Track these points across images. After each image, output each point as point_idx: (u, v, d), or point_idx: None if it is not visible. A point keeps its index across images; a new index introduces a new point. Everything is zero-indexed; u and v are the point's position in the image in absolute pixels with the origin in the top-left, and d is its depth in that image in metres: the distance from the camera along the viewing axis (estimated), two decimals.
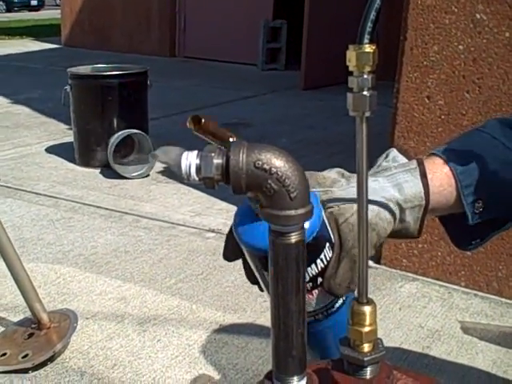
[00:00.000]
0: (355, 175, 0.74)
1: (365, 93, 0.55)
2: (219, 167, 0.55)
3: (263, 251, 0.62)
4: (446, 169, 0.75)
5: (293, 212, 0.54)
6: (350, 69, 0.55)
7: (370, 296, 0.63)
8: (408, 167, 0.74)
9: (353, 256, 0.69)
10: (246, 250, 0.67)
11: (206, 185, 0.57)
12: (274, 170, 0.54)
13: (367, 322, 0.62)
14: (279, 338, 0.58)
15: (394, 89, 2.52)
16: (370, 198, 0.69)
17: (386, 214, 0.71)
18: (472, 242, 0.82)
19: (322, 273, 0.68)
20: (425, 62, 2.39)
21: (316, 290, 0.69)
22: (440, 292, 2.63)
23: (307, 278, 0.67)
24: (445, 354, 2.18)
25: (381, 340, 0.64)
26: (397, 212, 0.72)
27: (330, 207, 0.71)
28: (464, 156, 0.76)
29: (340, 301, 0.72)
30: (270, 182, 0.54)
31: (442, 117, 2.42)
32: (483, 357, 2.16)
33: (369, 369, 0.63)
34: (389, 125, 2.57)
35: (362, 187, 0.60)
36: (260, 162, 0.55)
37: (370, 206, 0.69)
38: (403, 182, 0.73)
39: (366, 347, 0.62)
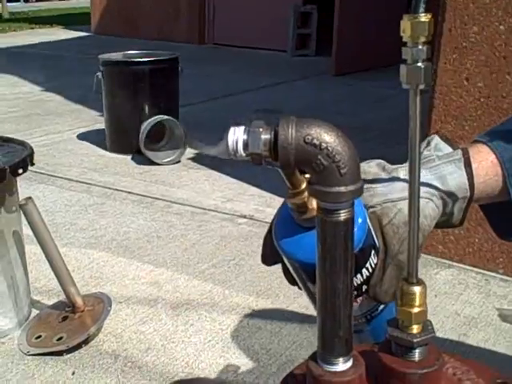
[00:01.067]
0: (397, 168, 0.72)
1: (419, 64, 0.53)
2: (267, 143, 0.54)
3: (309, 265, 0.60)
4: (492, 157, 0.72)
5: (343, 188, 0.52)
6: (404, 39, 0.52)
7: None
8: (452, 158, 0.71)
9: (399, 262, 0.66)
10: (288, 261, 0.64)
11: (254, 161, 0.55)
12: (324, 145, 0.53)
13: (417, 302, 0.60)
14: (326, 317, 0.57)
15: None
16: None
17: (430, 211, 0.68)
18: None
19: (367, 280, 0.66)
20: (464, 43, 2.34)
21: (360, 297, 0.67)
22: (477, 279, 2.59)
23: None
24: (482, 341, 2.15)
25: (430, 322, 0.63)
26: (440, 207, 0.69)
27: (372, 206, 0.67)
28: (511, 142, 0.73)
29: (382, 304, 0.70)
30: (319, 157, 0.53)
31: (482, 99, 2.37)
32: None
33: (417, 351, 0.61)
34: (425, 109, 2.52)
35: (414, 167, 0.58)
36: (310, 137, 0.53)
37: None
38: (447, 174, 0.70)
39: (416, 328, 0.61)
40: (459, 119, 2.43)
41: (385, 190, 0.68)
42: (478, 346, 2.12)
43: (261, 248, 0.69)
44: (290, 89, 7.06)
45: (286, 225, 0.63)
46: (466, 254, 2.65)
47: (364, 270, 0.65)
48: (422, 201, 0.67)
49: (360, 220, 0.62)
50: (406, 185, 0.68)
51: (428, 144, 0.73)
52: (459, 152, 0.72)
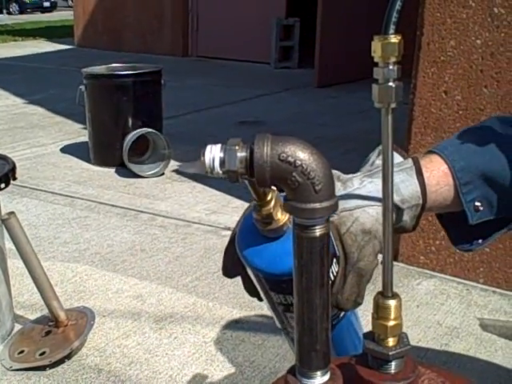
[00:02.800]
0: (352, 177, 0.73)
1: (390, 84, 0.54)
2: (243, 160, 0.55)
3: (273, 275, 0.61)
4: (444, 166, 0.73)
5: (318, 205, 0.53)
6: (376, 60, 0.54)
7: None
8: (403, 166, 0.72)
9: (359, 270, 0.66)
10: (252, 271, 0.65)
11: (230, 178, 0.56)
12: (298, 162, 0.54)
13: (392, 315, 0.61)
14: (303, 332, 0.58)
15: (410, 85, 2.50)
16: (368, 202, 0.68)
17: None
18: (473, 242, 0.79)
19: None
20: (442, 57, 2.37)
21: None
22: (458, 289, 2.61)
23: None
24: (463, 351, 2.16)
25: (405, 334, 0.64)
26: (394, 213, 0.70)
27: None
28: (463, 152, 0.74)
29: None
30: (294, 174, 0.54)
31: (460, 112, 2.40)
32: (503, 354, 2.14)
33: (393, 363, 0.62)
34: (405, 121, 2.55)
35: (387, 181, 0.59)
36: (285, 155, 0.54)
37: (369, 211, 0.68)
38: (399, 183, 0.71)
39: (391, 341, 0.62)
40: (438, 131, 2.46)
41: (341, 200, 0.68)
42: (460, 355, 2.14)
43: (221, 260, 0.70)
44: (272, 101, 7.09)
45: (249, 235, 0.63)
46: (447, 265, 2.67)
47: None
48: (376, 209, 0.69)
49: None
50: (360, 193, 0.69)
51: (379, 154, 0.74)
52: (410, 161, 0.73)
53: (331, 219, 0.68)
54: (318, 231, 0.54)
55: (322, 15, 7.55)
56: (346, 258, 0.67)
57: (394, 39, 0.53)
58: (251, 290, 0.69)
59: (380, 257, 0.66)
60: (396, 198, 0.70)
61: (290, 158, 0.54)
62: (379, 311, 0.61)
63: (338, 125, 5.74)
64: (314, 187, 0.53)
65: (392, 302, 0.61)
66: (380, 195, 0.69)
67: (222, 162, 0.55)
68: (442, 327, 2.32)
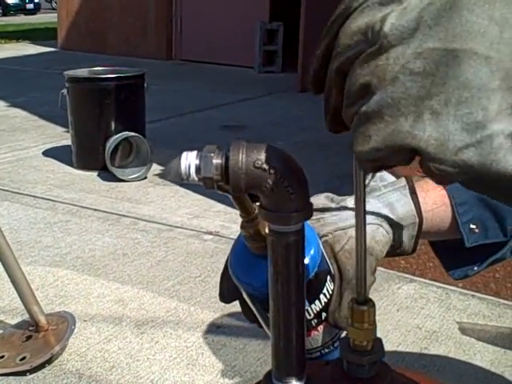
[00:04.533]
0: (345, 198, 0.74)
1: None
2: (219, 167, 0.55)
3: (265, 294, 0.60)
4: (440, 187, 0.74)
5: (293, 212, 0.54)
6: None
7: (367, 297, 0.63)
8: (397, 186, 0.73)
9: (355, 287, 0.68)
10: (244, 291, 0.65)
11: (206, 185, 0.57)
12: (272, 169, 0.54)
13: (366, 321, 0.62)
14: (279, 338, 0.58)
15: None
16: None
17: (380, 237, 0.70)
18: (466, 268, 0.80)
19: (325, 307, 0.67)
20: None
21: (321, 325, 0.68)
22: (438, 293, 2.63)
23: (311, 315, 0.66)
24: (443, 354, 2.18)
25: (380, 340, 0.64)
26: (390, 233, 0.71)
27: (324, 235, 0.69)
28: None
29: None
30: (269, 181, 0.54)
31: None
32: (481, 357, 2.16)
33: (368, 368, 0.63)
34: None
35: (359, 190, 0.59)
36: (259, 162, 0.55)
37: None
38: (394, 202, 0.71)
39: (366, 346, 0.62)
40: None
41: (335, 219, 0.70)
42: (439, 359, 2.16)
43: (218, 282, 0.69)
44: (255, 105, 7.10)
45: (241, 255, 0.64)
46: (426, 269, 2.70)
47: (322, 297, 0.66)
48: (371, 227, 0.69)
49: (313, 248, 0.63)
50: (354, 213, 0.70)
51: (373, 175, 0.75)
52: (403, 180, 0.74)
53: (325, 238, 0.69)
54: (292, 237, 0.55)
55: (305, 19, 7.58)
56: (342, 275, 0.67)
57: None
58: (250, 316, 0.69)
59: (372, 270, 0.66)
60: (392, 218, 0.71)
61: (264, 165, 0.54)
62: (353, 317, 0.62)
63: (320, 129, 5.72)
64: (288, 194, 0.54)
65: (366, 308, 0.62)
66: (375, 214, 0.70)
67: (198, 169, 0.55)
68: (422, 331, 2.34)
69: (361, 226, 0.60)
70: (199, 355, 2.15)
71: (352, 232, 0.68)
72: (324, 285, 0.66)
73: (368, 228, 0.69)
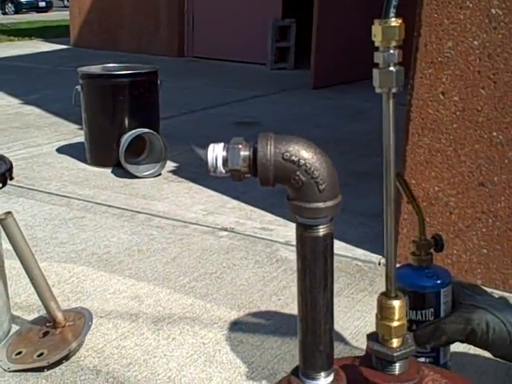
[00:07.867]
0: (487, 292, 0.90)
1: (391, 68, 0.54)
2: (246, 159, 0.55)
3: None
4: None
5: (321, 204, 0.53)
6: (376, 44, 0.53)
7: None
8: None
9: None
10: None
11: (233, 177, 0.56)
12: (302, 161, 0.53)
13: (396, 316, 0.61)
14: (307, 332, 0.57)
15: (407, 86, 2.50)
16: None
17: (498, 329, 0.92)
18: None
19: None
20: (439, 58, 2.37)
21: None
22: None
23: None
24: (463, 351, 2.16)
25: (410, 335, 0.63)
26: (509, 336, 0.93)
27: (465, 306, 0.89)
28: None
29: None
30: (298, 173, 0.53)
31: (457, 113, 2.40)
32: None
33: (398, 364, 0.62)
34: (403, 122, 2.55)
35: (389, 164, 0.59)
36: (288, 154, 0.54)
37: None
38: None
39: (395, 342, 0.61)
40: (436, 132, 2.46)
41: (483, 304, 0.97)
42: (459, 356, 2.13)
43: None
44: (268, 102, 7.09)
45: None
46: (444, 265, 2.67)
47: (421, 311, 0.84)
48: (494, 319, 0.93)
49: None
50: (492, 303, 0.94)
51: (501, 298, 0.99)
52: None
53: (465, 311, 0.86)
54: (321, 231, 0.54)
55: (318, 16, 7.55)
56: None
57: (395, 23, 0.52)
58: None
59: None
60: None
61: (293, 157, 0.53)
62: (383, 312, 0.61)
63: (334, 126, 5.74)
64: (317, 186, 0.53)
65: (396, 303, 0.61)
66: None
67: (225, 161, 0.54)
68: None
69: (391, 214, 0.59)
70: (216, 352, 2.15)
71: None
72: (425, 309, 0.83)
73: (492, 316, 0.87)
